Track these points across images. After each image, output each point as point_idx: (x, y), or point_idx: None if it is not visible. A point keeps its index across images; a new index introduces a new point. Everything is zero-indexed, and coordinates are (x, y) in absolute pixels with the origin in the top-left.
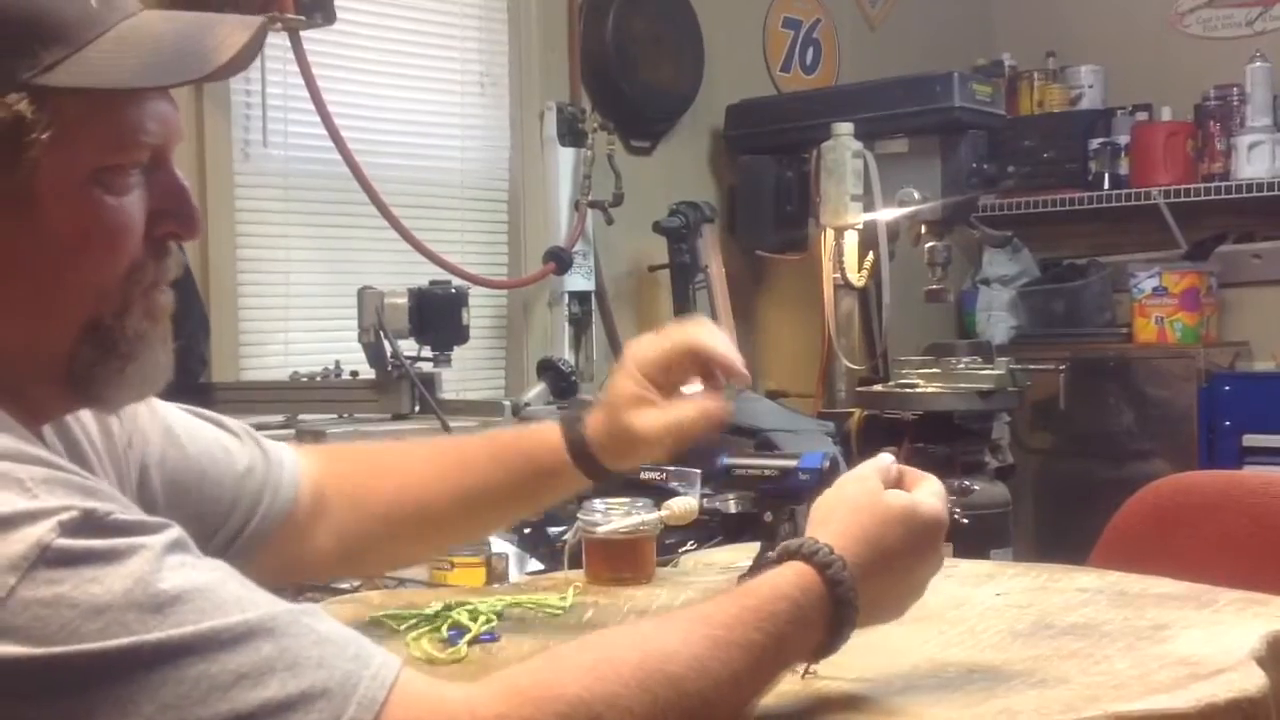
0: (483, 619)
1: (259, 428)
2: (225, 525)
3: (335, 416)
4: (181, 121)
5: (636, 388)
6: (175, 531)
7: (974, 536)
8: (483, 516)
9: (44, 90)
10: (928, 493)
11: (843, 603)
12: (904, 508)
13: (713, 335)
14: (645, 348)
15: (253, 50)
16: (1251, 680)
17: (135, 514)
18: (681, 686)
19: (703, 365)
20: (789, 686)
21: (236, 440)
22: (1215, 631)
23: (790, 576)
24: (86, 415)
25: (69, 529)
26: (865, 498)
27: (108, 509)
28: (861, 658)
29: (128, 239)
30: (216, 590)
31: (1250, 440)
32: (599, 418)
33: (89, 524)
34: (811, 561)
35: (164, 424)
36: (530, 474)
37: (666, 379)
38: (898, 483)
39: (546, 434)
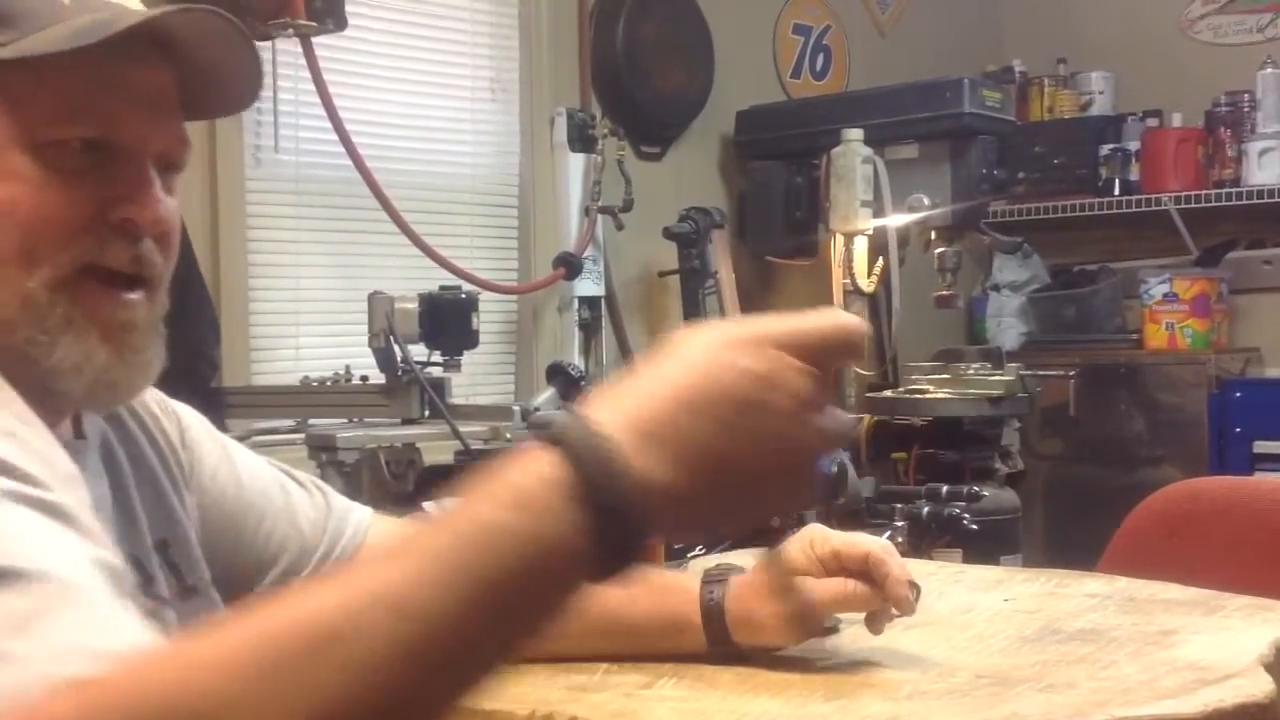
0: None
1: (269, 432)
2: (275, 566)
3: (345, 421)
4: (174, 136)
5: (805, 561)
6: (52, 496)
7: (984, 542)
8: (588, 635)
9: None
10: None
11: (598, 478)
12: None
13: (895, 556)
14: (827, 532)
15: (231, 55)
16: (1259, 686)
17: (34, 466)
18: None
19: (872, 577)
20: (792, 689)
21: (300, 488)
22: (1223, 637)
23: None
24: (156, 422)
25: None
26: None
27: None
28: (867, 662)
29: (59, 210)
30: (21, 535)
31: (1261, 447)
32: (752, 581)
33: None
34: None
35: (222, 449)
36: (651, 611)
37: (836, 565)
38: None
39: (684, 582)
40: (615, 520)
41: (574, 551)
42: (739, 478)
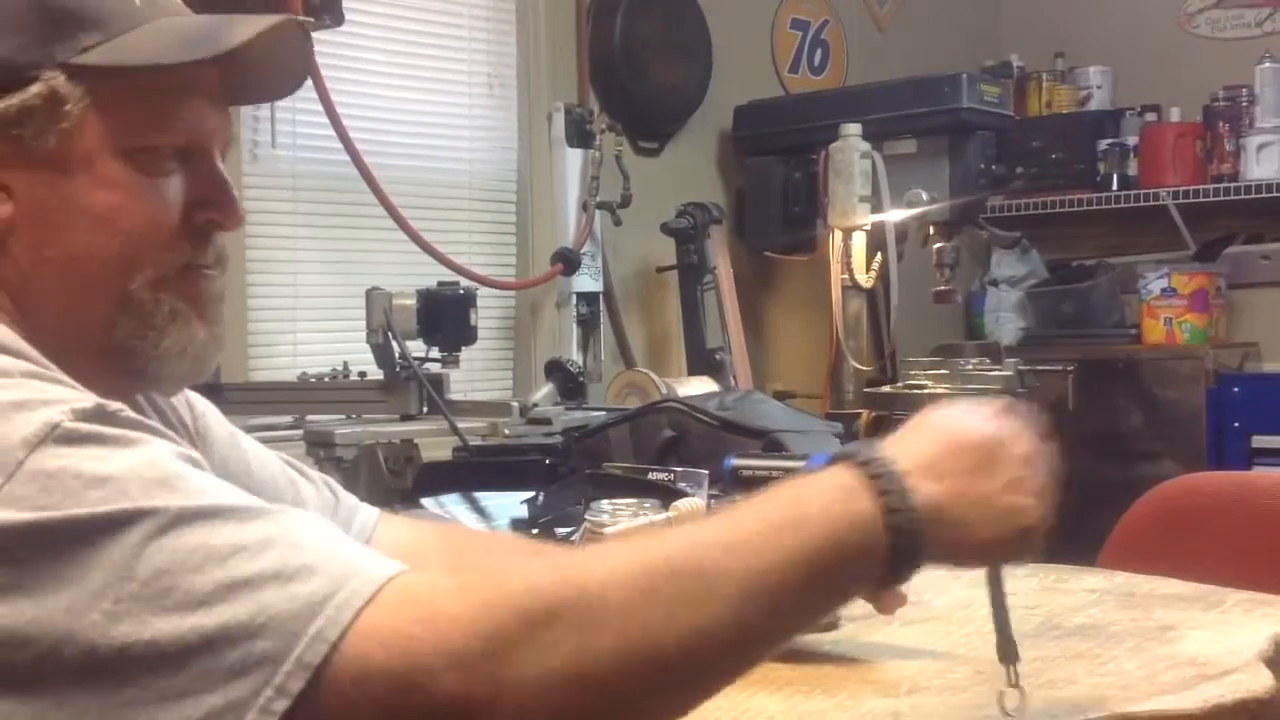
0: None
1: (267, 428)
2: None
3: (343, 417)
4: (229, 129)
5: None
6: (187, 448)
7: None
8: None
9: (79, 69)
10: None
11: (902, 526)
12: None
13: None
14: None
15: (281, 46)
16: (1258, 681)
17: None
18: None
19: None
20: (792, 685)
21: (308, 482)
22: (1222, 632)
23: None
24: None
25: (80, 415)
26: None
27: (120, 407)
28: (869, 659)
29: (158, 216)
30: (219, 483)
31: (1259, 441)
32: None
33: (102, 414)
34: (866, 469)
35: (231, 436)
36: None
37: None
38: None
39: None
40: (905, 536)
41: (868, 550)
42: (994, 510)
